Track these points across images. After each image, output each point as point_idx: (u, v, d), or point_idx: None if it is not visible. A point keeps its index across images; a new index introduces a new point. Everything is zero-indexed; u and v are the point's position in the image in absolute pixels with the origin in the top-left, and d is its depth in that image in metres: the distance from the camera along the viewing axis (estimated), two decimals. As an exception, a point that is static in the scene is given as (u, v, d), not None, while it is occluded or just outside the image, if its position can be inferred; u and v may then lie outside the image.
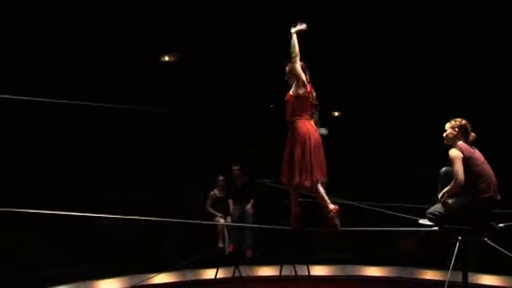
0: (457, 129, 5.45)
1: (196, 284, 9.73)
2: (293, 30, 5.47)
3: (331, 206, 5.47)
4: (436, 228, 5.41)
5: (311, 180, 5.43)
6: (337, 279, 10.10)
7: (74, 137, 10.88)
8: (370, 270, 10.29)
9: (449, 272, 5.54)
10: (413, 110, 12.18)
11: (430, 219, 5.40)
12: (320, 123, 5.78)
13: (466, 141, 5.42)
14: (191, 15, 11.51)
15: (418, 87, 12.11)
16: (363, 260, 10.38)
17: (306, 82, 5.58)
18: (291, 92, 5.64)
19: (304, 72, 5.62)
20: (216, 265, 9.48)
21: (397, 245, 10.45)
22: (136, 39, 11.42)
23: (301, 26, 5.48)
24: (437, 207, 5.37)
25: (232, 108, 12.12)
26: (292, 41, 5.46)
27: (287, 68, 5.63)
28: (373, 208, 6.87)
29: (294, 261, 9.75)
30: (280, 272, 9.75)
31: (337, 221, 5.48)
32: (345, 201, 6.02)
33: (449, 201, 5.29)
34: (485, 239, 5.56)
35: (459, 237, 5.41)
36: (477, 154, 5.38)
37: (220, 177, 9.76)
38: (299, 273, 9.62)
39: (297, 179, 5.46)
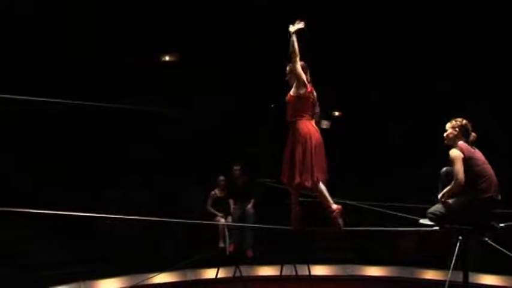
0: (457, 129, 5.45)
1: (196, 283, 9.73)
2: (292, 29, 5.40)
3: (334, 206, 5.47)
4: (436, 228, 5.41)
5: (312, 180, 5.43)
6: (337, 279, 10.10)
7: (74, 137, 10.88)
8: (371, 270, 10.29)
9: (450, 271, 5.54)
10: (414, 110, 12.16)
11: (430, 219, 5.40)
12: (324, 116, 5.77)
13: (466, 141, 5.42)
14: (191, 15, 11.51)
15: (418, 87, 12.10)
16: (363, 259, 10.38)
17: (306, 82, 5.57)
18: (291, 93, 5.63)
19: (305, 72, 5.60)
20: (216, 265, 9.48)
21: (397, 245, 10.46)
22: (137, 39, 11.41)
23: (300, 25, 5.41)
24: (437, 207, 5.37)
25: (232, 108, 12.11)
26: (291, 41, 5.41)
27: (287, 68, 5.61)
28: (373, 208, 6.87)
29: (294, 261, 9.74)
30: (281, 271, 9.75)
31: (340, 221, 5.48)
32: (348, 202, 6.01)
33: (450, 201, 5.29)
34: (486, 238, 5.56)
35: (460, 237, 5.41)
36: (478, 154, 5.38)
37: (221, 177, 9.76)
38: (300, 273, 9.62)
39: (297, 179, 5.45)
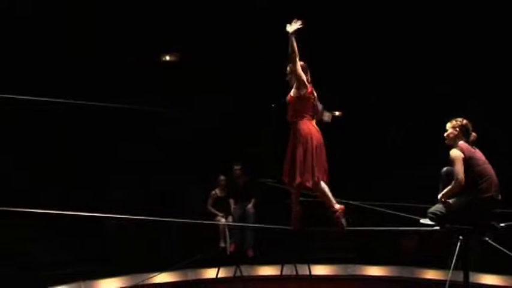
0: (458, 129, 5.45)
1: (197, 283, 9.73)
2: (290, 29, 5.33)
3: (337, 206, 5.48)
4: (437, 227, 5.41)
5: (312, 180, 5.43)
6: (338, 279, 10.10)
7: (74, 137, 10.88)
8: (372, 270, 10.28)
9: (451, 271, 5.54)
10: (414, 112, 12.17)
11: (431, 219, 5.40)
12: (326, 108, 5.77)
13: (467, 141, 5.43)
14: (191, 15, 11.51)
15: (418, 90, 12.13)
16: (364, 259, 10.38)
17: (306, 83, 5.57)
18: (292, 93, 5.63)
19: (305, 73, 5.60)
20: (217, 265, 9.48)
21: (398, 245, 10.46)
22: (137, 38, 11.41)
23: (297, 24, 5.35)
24: (438, 207, 5.37)
25: (233, 108, 12.12)
26: (290, 42, 5.36)
27: (288, 69, 5.61)
28: (374, 208, 6.87)
29: (295, 260, 9.74)
30: (281, 271, 9.75)
31: (343, 221, 5.48)
32: (351, 202, 6.01)
33: (451, 200, 5.30)
34: (486, 238, 5.56)
35: (460, 237, 5.42)
36: (478, 154, 5.38)
37: (222, 177, 9.77)
38: (300, 272, 9.62)
39: (298, 179, 5.45)
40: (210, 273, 9.75)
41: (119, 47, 11.31)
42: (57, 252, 9.41)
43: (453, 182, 5.27)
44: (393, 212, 6.61)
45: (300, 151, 5.47)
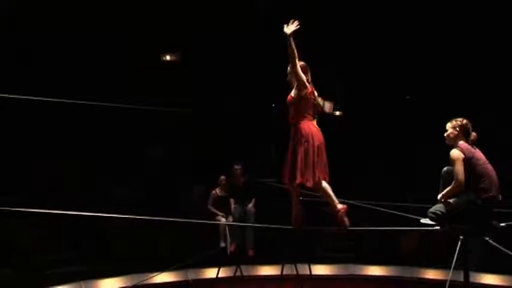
0: (458, 128, 5.46)
1: (197, 283, 9.73)
2: (288, 31, 5.29)
3: (340, 206, 5.49)
4: (437, 227, 5.41)
5: (313, 180, 5.44)
6: (338, 279, 10.10)
7: (74, 137, 10.88)
8: (372, 270, 10.29)
9: (451, 271, 5.54)
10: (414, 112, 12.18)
11: (431, 219, 5.40)
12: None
13: (467, 141, 5.43)
14: (192, 14, 11.51)
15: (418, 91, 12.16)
16: (364, 259, 10.38)
17: (306, 83, 5.57)
18: (292, 94, 5.63)
19: (305, 73, 5.60)
20: (217, 264, 9.48)
21: (399, 245, 10.46)
22: (137, 38, 11.42)
23: (294, 25, 5.30)
24: (438, 207, 5.37)
25: (234, 108, 12.12)
26: (288, 44, 5.33)
27: (288, 69, 5.61)
28: (375, 208, 6.88)
29: (295, 260, 9.74)
30: (282, 271, 9.75)
31: (346, 220, 5.49)
32: (350, 201, 6.01)
33: (451, 200, 5.30)
34: (487, 238, 5.56)
35: (461, 237, 5.42)
36: (478, 154, 5.39)
37: (222, 177, 9.77)
38: (300, 272, 9.61)
39: (299, 179, 5.46)
40: (211, 273, 9.76)
41: (120, 46, 11.31)
42: (58, 251, 9.40)
43: (453, 183, 5.27)
44: (394, 212, 6.62)
45: (301, 151, 5.48)
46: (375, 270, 10.27)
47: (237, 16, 11.59)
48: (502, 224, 5.44)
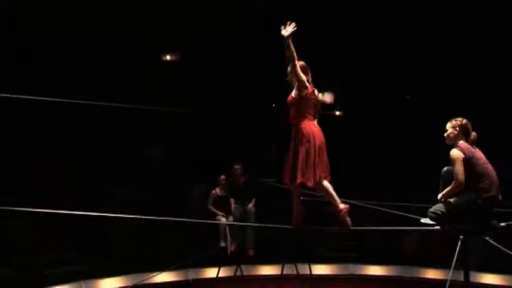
0: (458, 128, 5.46)
1: (198, 283, 9.73)
2: (285, 34, 5.28)
3: (342, 206, 5.49)
4: (437, 227, 5.41)
5: (314, 180, 5.44)
6: (339, 278, 10.10)
7: (75, 136, 10.88)
8: (372, 269, 10.29)
9: (451, 271, 5.54)
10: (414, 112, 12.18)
11: (431, 219, 5.40)
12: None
13: (467, 141, 5.43)
14: (192, 14, 11.51)
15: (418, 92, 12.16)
16: (364, 259, 10.38)
17: (307, 83, 5.57)
18: (293, 94, 5.63)
19: (306, 73, 5.60)
20: (217, 264, 9.48)
21: (399, 244, 10.46)
22: (137, 38, 11.42)
23: (291, 27, 5.29)
24: (438, 207, 5.37)
25: (234, 108, 12.12)
26: (287, 46, 5.32)
27: (288, 69, 5.61)
28: (375, 207, 6.88)
29: (295, 260, 9.74)
30: (282, 271, 9.74)
31: (348, 220, 5.49)
32: (350, 201, 6.01)
33: (451, 200, 5.30)
34: (487, 238, 5.56)
35: (461, 236, 5.42)
36: (478, 154, 5.39)
37: (222, 176, 9.77)
38: (301, 272, 9.61)
39: (299, 179, 5.47)
40: (211, 272, 9.77)
41: (121, 46, 11.31)
42: (58, 251, 9.40)
43: (453, 183, 5.28)
44: (394, 212, 6.62)
45: (302, 151, 5.48)
46: (375, 270, 10.27)
47: (237, 16, 11.59)
48: (502, 224, 5.44)
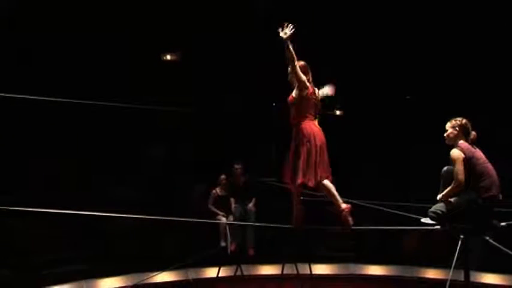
0: (457, 128, 5.46)
1: (198, 282, 9.73)
2: (284, 35, 5.30)
3: (344, 205, 5.50)
4: (438, 227, 5.41)
5: (315, 180, 5.45)
6: (339, 278, 10.11)
7: (75, 136, 10.88)
8: (372, 269, 10.29)
9: (451, 270, 5.54)
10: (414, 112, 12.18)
11: (432, 218, 5.40)
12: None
13: (467, 140, 5.43)
14: (192, 14, 11.51)
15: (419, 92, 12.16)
16: (364, 258, 10.38)
17: (307, 83, 5.57)
18: (293, 94, 5.64)
19: (306, 73, 5.61)
20: (218, 264, 9.49)
21: (399, 244, 10.46)
22: (138, 38, 11.41)
23: (289, 29, 5.30)
24: (439, 206, 5.37)
25: (234, 107, 12.12)
26: (286, 47, 5.34)
27: (289, 69, 5.61)
28: (375, 207, 6.88)
29: (295, 260, 9.74)
30: (282, 270, 9.74)
31: (350, 220, 5.50)
32: (354, 201, 6.02)
33: (452, 199, 5.30)
34: (487, 237, 5.56)
35: (461, 236, 5.42)
36: (478, 153, 5.39)
37: (222, 176, 9.77)
38: (301, 272, 9.61)
39: (301, 179, 5.47)
40: (211, 272, 9.77)
41: (121, 46, 11.31)
42: (59, 250, 9.40)
43: (453, 182, 5.28)
44: (394, 211, 6.62)
45: (303, 150, 5.49)
46: (375, 270, 10.28)
47: (237, 16, 11.59)
48: (503, 224, 5.44)
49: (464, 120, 5.50)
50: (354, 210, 5.63)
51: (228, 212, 9.61)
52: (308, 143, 5.49)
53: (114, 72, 11.19)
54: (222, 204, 9.64)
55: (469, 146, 5.39)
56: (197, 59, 11.95)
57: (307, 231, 9.42)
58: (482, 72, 11.36)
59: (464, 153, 5.29)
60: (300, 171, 5.47)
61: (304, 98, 5.57)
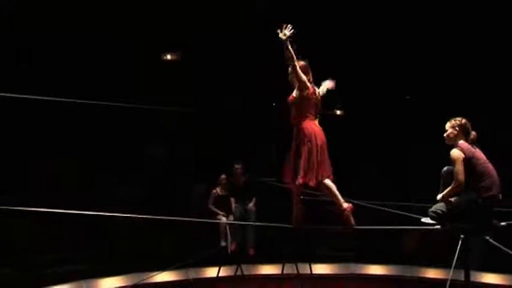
0: (457, 128, 5.46)
1: (198, 282, 9.73)
2: (283, 36, 5.31)
3: (345, 205, 5.50)
4: (438, 226, 5.42)
5: (316, 179, 5.46)
6: (339, 278, 10.10)
7: (76, 136, 10.89)
8: (372, 269, 10.29)
9: (452, 270, 5.54)
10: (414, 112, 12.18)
11: (432, 218, 5.41)
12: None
13: (467, 140, 5.44)
14: (192, 14, 11.51)
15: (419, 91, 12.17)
16: (365, 258, 10.38)
17: (308, 83, 5.58)
18: (294, 94, 5.64)
19: (307, 73, 5.62)
20: (218, 263, 9.49)
21: (399, 244, 10.46)
22: (138, 38, 11.42)
23: (288, 30, 5.31)
24: (439, 206, 5.38)
25: (234, 107, 12.12)
26: (285, 48, 5.35)
27: (289, 69, 5.62)
28: (376, 207, 6.88)
29: (296, 259, 9.74)
30: (282, 270, 9.76)
31: (352, 220, 5.50)
32: (354, 201, 6.02)
33: (452, 199, 5.31)
34: (487, 237, 5.57)
35: (461, 236, 5.42)
36: (478, 153, 5.40)
37: (222, 176, 9.77)
38: (301, 271, 9.62)
39: (302, 179, 5.47)
40: (211, 272, 9.77)
41: (121, 45, 11.31)
42: (59, 250, 9.41)
43: (453, 182, 5.29)
44: (395, 211, 6.62)
45: (304, 151, 5.50)
46: (375, 269, 10.28)
47: (236, 16, 11.59)
48: (503, 223, 5.44)
49: (464, 120, 5.50)
50: (355, 210, 5.63)
51: (228, 212, 9.62)
52: (309, 143, 5.49)
53: (114, 72, 11.19)
54: (222, 204, 9.65)
55: (469, 146, 5.39)
56: (197, 59, 11.95)
57: (307, 231, 9.41)
58: (482, 73, 11.36)
59: (464, 153, 5.29)
60: (301, 171, 5.48)
61: (304, 98, 5.58)
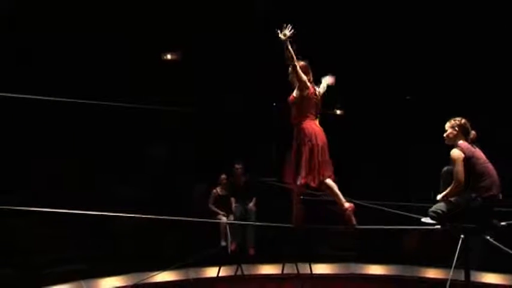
0: (457, 128, 5.47)
1: (198, 282, 9.74)
2: (283, 37, 5.32)
3: (347, 205, 5.52)
4: (438, 226, 5.43)
5: (318, 180, 5.46)
6: (339, 278, 10.11)
7: (76, 136, 10.89)
8: (373, 269, 10.29)
9: (452, 270, 5.55)
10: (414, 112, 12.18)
11: (432, 218, 5.41)
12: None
13: (466, 140, 5.44)
14: (193, 13, 11.52)
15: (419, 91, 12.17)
16: (365, 258, 10.38)
17: (308, 83, 5.59)
18: (294, 94, 5.65)
19: (307, 72, 5.62)
20: (218, 263, 9.50)
21: (399, 244, 10.46)
22: (138, 37, 11.42)
23: (288, 30, 5.32)
24: (439, 206, 5.39)
25: (235, 107, 12.13)
26: (285, 48, 5.35)
27: (289, 69, 5.62)
28: (376, 207, 6.89)
29: (296, 259, 9.75)
30: (283, 270, 9.76)
31: (353, 219, 5.51)
32: (355, 201, 6.03)
33: (452, 199, 5.31)
34: (488, 237, 5.57)
35: (461, 236, 5.43)
36: (478, 153, 5.40)
37: (223, 176, 9.78)
38: (301, 271, 9.62)
39: (303, 179, 5.48)
40: (211, 272, 9.77)
41: (121, 45, 11.32)
42: (59, 250, 9.41)
43: (453, 183, 5.30)
44: (395, 211, 6.63)
45: (305, 151, 5.51)
46: (375, 269, 10.28)
47: (237, 16, 11.60)
48: (503, 223, 5.45)
49: (463, 120, 5.50)
50: (355, 210, 5.63)
51: (228, 212, 9.63)
52: (310, 143, 5.50)
53: (115, 72, 11.20)
54: (223, 203, 9.66)
55: (469, 146, 5.40)
56: (198, 58, 11.95)
57: (307, 231, 9.42)
58: (482, 73, 11.36)
59: (464, 153, 5.30)
60: (302, 171, 5.49)
61: (305, 98, 5.59)
